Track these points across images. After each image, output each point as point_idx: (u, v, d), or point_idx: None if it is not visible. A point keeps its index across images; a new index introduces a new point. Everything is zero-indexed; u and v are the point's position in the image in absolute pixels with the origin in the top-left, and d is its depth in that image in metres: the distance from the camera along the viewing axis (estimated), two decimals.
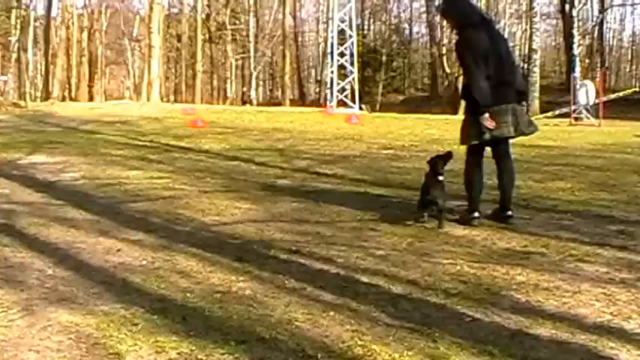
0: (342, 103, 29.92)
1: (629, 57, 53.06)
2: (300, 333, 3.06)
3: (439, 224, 5.06)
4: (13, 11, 42.84)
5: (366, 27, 50.70)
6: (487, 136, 5.06)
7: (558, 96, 31.42)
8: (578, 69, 24.51)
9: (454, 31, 5.77)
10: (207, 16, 48.37)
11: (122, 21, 50.87)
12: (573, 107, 21.90)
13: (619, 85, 39.25)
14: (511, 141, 5.39)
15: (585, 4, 32.08)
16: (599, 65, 35.82)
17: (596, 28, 38.83)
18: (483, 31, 5.14)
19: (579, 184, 7.18)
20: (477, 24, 5.20)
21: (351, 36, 30.73)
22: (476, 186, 5.30)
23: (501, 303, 3.44)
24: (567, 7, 32.10)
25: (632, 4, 43.12)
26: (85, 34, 48.28)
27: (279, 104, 39.11)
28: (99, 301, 3.46)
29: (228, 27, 46.91)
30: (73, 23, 45.69)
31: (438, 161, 5.18)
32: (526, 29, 38.88)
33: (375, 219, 5.43)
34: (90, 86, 46.90)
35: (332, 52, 31.25)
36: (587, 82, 22.82)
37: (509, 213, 5.27)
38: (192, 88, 43.81)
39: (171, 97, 46.42)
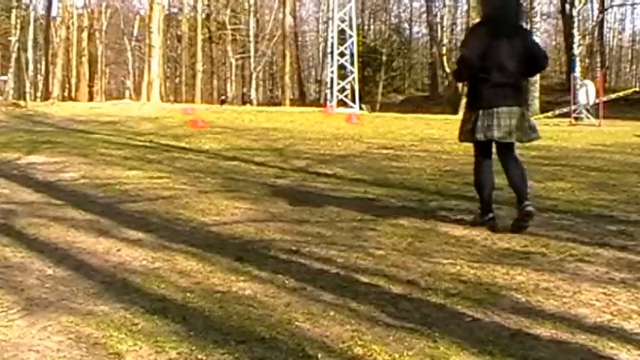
0: (342, 103, 29.94)
1: (629, 57, 53.09)
2: (300, 333, 3.05)
3: None
4: (13, 11, 42.88)
5: (366, 27, 50.70)
6: (480, 136, 4.88)
7: (558, 96, 31.47)
8: (578, 69, 24.52)
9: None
10: (208, 16, 48.43)
11: (122, 21, 50.95)
12: (573, 107, 21.91)
13: (619, 85, 39.25)
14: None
15: (585, 4, 32.08)
16: (599, 65, 35.86)
17: (596, 28, 38.86)
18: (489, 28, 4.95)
19: (579, 184, 7.17)
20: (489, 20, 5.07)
21: (351, 36, 30.73)
22: (485, 187, 5.06)
23: (501, 303, 3.44)
24: (567, 7, 32.14)
25: (632, 4, 43.15)
26: (85, 34, 48.33)
27: (279, 104, 39.13)
28: (99, 301, 3.45)
29: (228, 27, 46.94)
30: (73, 23, 45.75)
31: None
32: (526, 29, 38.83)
33: (375, 219, 5.42)
34: (90, 86, 46.94)
35: (332, 52, 31.27)
36: (588, 82, 22.83)
37: (527, 203, 4.86)
38: (192, 88, 43.84)
39: (171, 97, 46.41)
